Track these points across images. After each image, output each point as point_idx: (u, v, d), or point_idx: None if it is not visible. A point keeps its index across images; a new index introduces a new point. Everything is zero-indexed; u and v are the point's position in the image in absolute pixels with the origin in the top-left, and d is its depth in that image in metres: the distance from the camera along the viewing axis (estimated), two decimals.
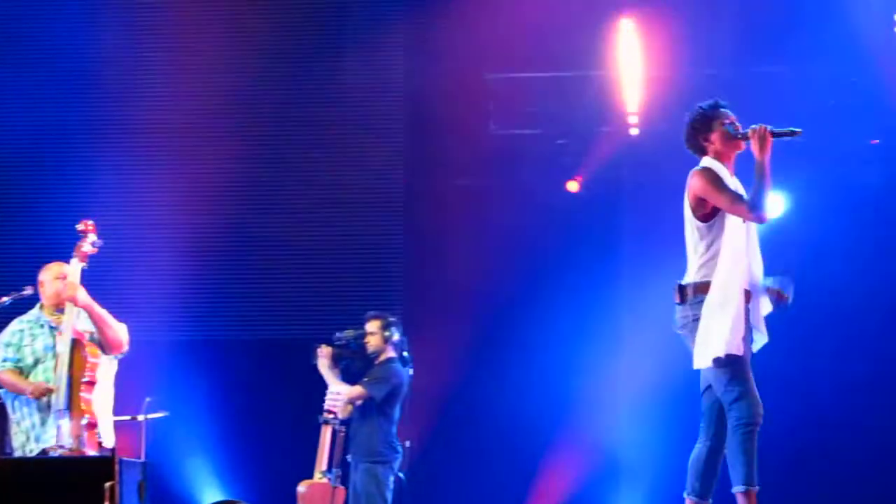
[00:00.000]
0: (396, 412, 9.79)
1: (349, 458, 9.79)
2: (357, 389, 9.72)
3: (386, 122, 12.03)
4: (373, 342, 9.88)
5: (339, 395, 9.70)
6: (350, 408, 9.75)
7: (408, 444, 9.86)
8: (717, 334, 6.71)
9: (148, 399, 10.22)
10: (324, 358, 9.85)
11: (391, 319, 9.94)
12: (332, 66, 12.03)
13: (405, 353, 9.95)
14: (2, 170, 12.03)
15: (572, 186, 11.88)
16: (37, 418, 7.79)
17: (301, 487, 9.64)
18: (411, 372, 9.91)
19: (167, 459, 11.06)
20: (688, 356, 10.86)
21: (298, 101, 11.99)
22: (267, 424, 11.43)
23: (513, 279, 11.56)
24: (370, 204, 11.95)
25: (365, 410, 9.73)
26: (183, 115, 12.03)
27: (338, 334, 9.97)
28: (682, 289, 6.83)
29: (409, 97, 12.01)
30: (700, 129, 6.94)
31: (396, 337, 9.90)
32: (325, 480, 9.60)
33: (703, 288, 6.74)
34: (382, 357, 9.88)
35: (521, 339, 11.51)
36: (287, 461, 10.38)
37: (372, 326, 9.90)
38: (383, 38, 12.01)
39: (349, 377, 9.91)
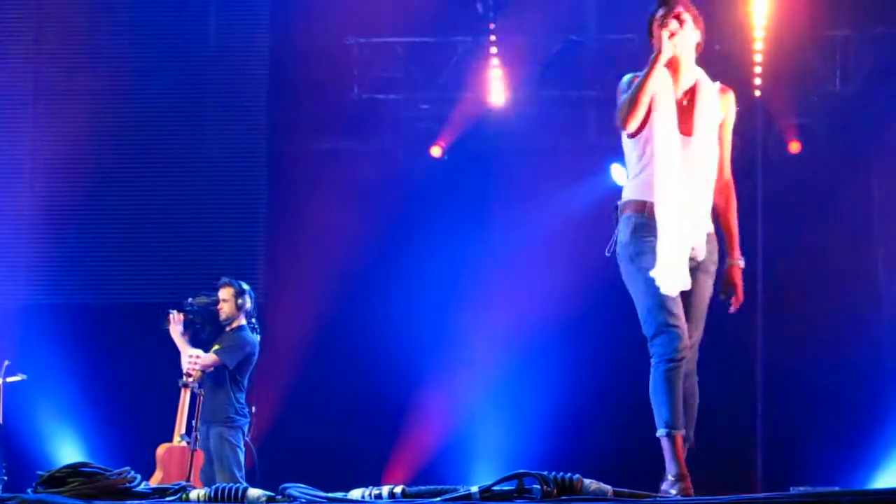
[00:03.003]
0: (246, 379, 9.83)
1: (200, 423, 9.77)
2: (210, 357, 9.72)
3: (249, 84, 11.94)
4: (225, 309, 9.87)
5: (199, 358, 9.69)
6: (200, 374, 9.74)
7: (253, 409, 9.91)
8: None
9: (7, 362, 10.16)
10: (175, 324, 9.83)
11: (244, 287, 9.92)
12: (196, 28, 11.93)
13: (253, 320, 9.96)
14: None
15: (435, 151, 11.95)
16: None
17: (160, 450, 9.62)
18: (258, 339, 9.92)
19: (25, 423, 10.99)
20: (554, 316, 11.03)
21: (160, 62, 11.84)
22: (126, 388, 11.34)
23: (375, 243, 11.57)
24: (231, 167, 11.87)
25: (217, 377, 9.75)
26: (40, 77, 11.87)
27: (189, 300, 9.95)
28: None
29: (273, 60, 11.94)
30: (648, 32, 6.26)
31: (249, 305, 9.91)
32: (183, 443, 9.58)
33: (624, 207, 6.19)
34: (234, 324, 9.89)
35: (382, 303, 11.55)
36: (146, 424, 10.31)
37: (225, 293, 9.89)
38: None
39: (199, 343, 9.90)
